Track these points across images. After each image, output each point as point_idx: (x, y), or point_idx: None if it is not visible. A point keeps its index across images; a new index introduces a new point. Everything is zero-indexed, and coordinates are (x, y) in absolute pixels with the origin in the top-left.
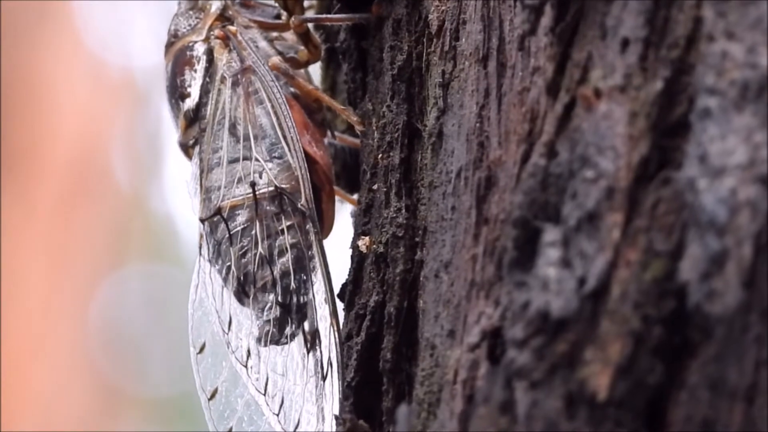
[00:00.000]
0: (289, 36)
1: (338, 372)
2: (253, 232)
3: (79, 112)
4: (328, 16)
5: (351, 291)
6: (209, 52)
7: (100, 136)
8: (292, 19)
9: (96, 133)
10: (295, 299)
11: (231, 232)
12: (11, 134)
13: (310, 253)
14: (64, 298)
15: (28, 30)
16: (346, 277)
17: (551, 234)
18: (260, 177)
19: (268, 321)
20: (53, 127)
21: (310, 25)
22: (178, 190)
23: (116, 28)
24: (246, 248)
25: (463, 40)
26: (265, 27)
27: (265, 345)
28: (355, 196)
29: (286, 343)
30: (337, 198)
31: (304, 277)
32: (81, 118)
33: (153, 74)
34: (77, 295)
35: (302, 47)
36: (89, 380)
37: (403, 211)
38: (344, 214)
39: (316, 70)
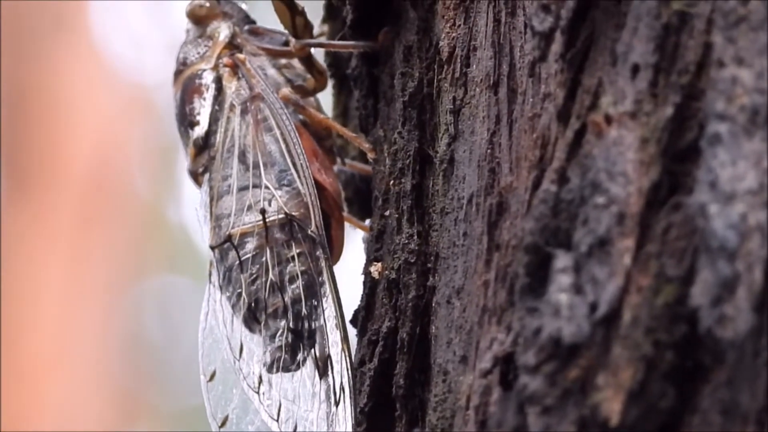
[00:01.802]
0: (298, 63)
1: (351, 397)
2: (264, 258)
3: (97, 125)
4: (332, 42)
5: (363, 317)
6: (218, 80)
7: (117, 148)
8: (294, 42)
9: (113, 145)
10: (306, 325)
11: (241, 259)
12: (29, 148)
13: (320, 279)
14: (83, 310)
15: (45, 44)
16: (359, 303)
17: (563, 260)
18: (270, 204)
19: (280, 347)
20: (71, 140)
21: (313, 51)
22: (196, 201)
23: (132, 41)
24: (256, 275)
25: (474, 66)
26: (273, 54)
27: (277, 372)
28: (367, 223)
29: (298, 368)
30: (347, 224)
31: (315, 303)
32: (98, 131)
33: (169, 86)
34: (96, 306)
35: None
36: (108, 390)
37: (415, 237)
38: (356, 240)
39: (328, 97)
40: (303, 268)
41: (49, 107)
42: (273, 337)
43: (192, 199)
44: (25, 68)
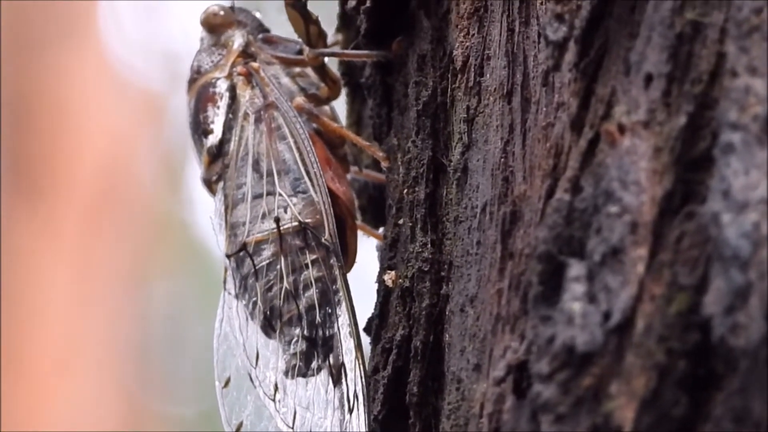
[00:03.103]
0: (311, 72)
1: (364, 405)
2: (279, 266)
3: (105, 132)
4: (345, 51)
5: (377, 325)
6: (232, 89)
7: (125, 155)
8: (307, 51)
9: (122, 152)
10: (320, 333)
11: (256, 267)
12: (36, 155)
13: (334, 287)
14: (90, 316)
15: (53, 51)
16: (373, 311)
17: (576, 269)
18: (285, 212)
19: (295, 354)
20: (79, 147)
21: (327, 60)
22: (204, 205)
23: (141, 48)
24: (271, 282)
25: (488, 75)
26: (287, 63)
27: (292, 378)
28: (381, 231)
29: (313, 375)
30: (361, 232)
31: (330, 311)
32: (106, 138)
33: (177, 91)
34: (103, 313)
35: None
36: (114, 396)
37: (429, 245)
38: (369, 248)
39: (342, 105)
40: (317, 275)
41: (57, 114)
42: (289, 343)
43: (200, 205)
44: (32, 75)
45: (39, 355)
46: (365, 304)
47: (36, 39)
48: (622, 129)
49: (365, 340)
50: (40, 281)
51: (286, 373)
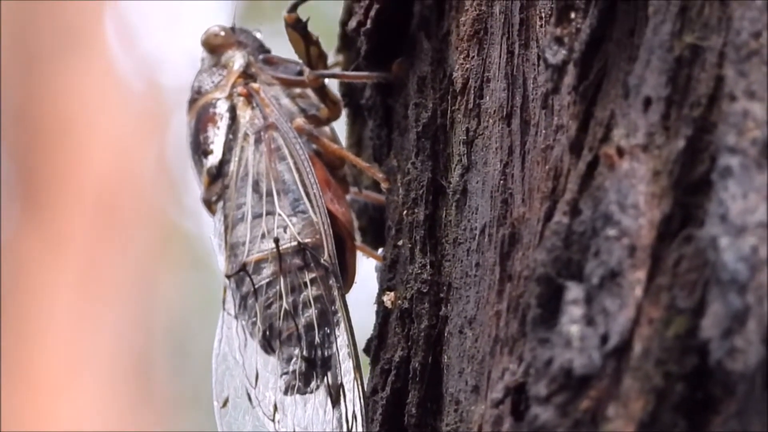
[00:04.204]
0: (311, 93)
1: (363, 426)
2: (278, 286)
3: (111, 143)
4: (345, 72)
5: (376, 346)
6: (232, 109)
7: (130, 164)
8: (308, 72)
9: (127, 163)
10: (319, 353)
11: (256, 286)
12: (42, 165)
13: (333, 307)
14: (94, 324)
15: (60, 62)
16: (372, 332)
17: (574, 291)
18: (284, 232)
19: (294, 375)
20: (84, 158)
21: (327, 81)
22: (209, 217)
23: (148, 60)
24: (271, 301)
25: (487, 98)
26: (287, 84)
27: (291, 394)
28: (380, 252)
29: (311, 392)
30: (361, 253)
31: (328, 331)
32: (112, 149)
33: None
34: (108, 324)
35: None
36: (118, 406)
37: (428, 267)
38: (369, 269)
39: (342, 126)
40: (316, 295)
41: (63, 125)
42: (288, 362)
43: (205, 216)
44: (38, 86)
45: (42, 364)
46: (365, 325)
47: (43, 50)
48: (620, 152)
49: (364, 360)
50: (44, 291)
51: (285, 391)
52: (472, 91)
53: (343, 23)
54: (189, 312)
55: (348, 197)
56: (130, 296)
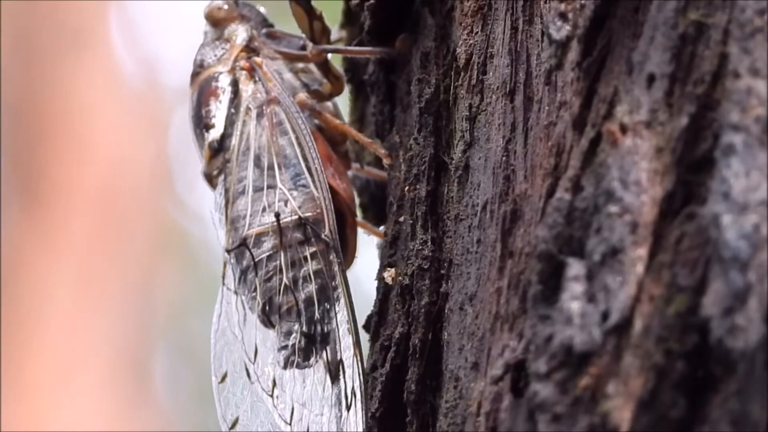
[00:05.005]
0: (314, 68)
1: (362, 402)
2: (278, 260)
3: (111, 139)
4: (348, 48)
5: (376, 322)
6: (235, 83)
7: (131, 163)
8: (311, 48)
9: (128, 160)
10: (319, 329)
11: (256, 260)
12: (43, 164)
13: (333, 283)
14: (93, 323)
15: (63, 60)
16: (372, 308)
17: (575, 268)
18: (285, 205)
19: (293, 349)
20: (85, 157)
21: (330, 56)
22: (208, 218)
23: (152, 59)
24: (271, 275)
25: (491, 73)
26: (290, 58)
27: (290, 368)
28: (382, 228)
29: (310, 367)
30: (362, 230)
31: (328, 307)
32: (113, 146)
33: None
34: (107, 320)
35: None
36: (115, 411)
37: (429, 243)
38: (370, 245)
39: (345, 102)
40: (316, 270)
41: (64, 124)
42: (287, 336)
43: (205, 216)
44: (40, 84)
45: (40, 363)
46: (366, 301)
47: (45, 48)
48: (623, 129)
49: (364, 337)
50: (43, 289)
51: (283, 366)
52: (476, 67)
53: None
54: (188, 311)
55: (350, 173)
56: (130, 295)
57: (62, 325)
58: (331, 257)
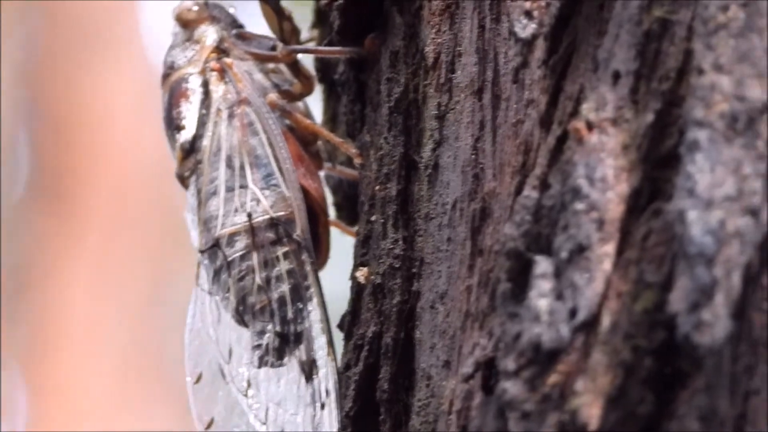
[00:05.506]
0: (285, 68)
1: (336, 401)
2: (251, 260)
3: (134, 139)
4: (318, 48)
5: (350, 321)
6: (205, 85)
7: (157, 163)
8: (281, 48)
9: (153, 160)
10: (292, 328)
11: (228, 260)
12: (69, 162)
13: (306, 282)
14: (111, 319)
15: (93, 56)
16: (346, 307)
17: (543, 266)
18: (257, 205)
19: (267, 349)
20: (107, 149)
21: (301, 56)
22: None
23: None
24: (243, 275)
25: (459, 72)
26: (260, 59)
27: (264, 367)
28: (355, 228)
29: (284, 366)
30: (336, 229)
31: (301, 306)
32: (135, 146)
33: None
34: (125, 315)
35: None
36: (129, 411)
37: (400, 242)
38: (346, 244)
39: (317, 102)
40: (288, 270)
41: (87, 119)
42: (260, 336)
43: None
44: (66, 85)
45: (60, 357)
46: (342, 300)
47: (73, 48)
48: (590, 126)
49: (339, 336)
50: (63, 288)
51: (257, 365)
52: (444, 66)
53: None
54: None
55: (322, 173)
56: (148, 290)
57: (80, 320)
58: (303, 257)
